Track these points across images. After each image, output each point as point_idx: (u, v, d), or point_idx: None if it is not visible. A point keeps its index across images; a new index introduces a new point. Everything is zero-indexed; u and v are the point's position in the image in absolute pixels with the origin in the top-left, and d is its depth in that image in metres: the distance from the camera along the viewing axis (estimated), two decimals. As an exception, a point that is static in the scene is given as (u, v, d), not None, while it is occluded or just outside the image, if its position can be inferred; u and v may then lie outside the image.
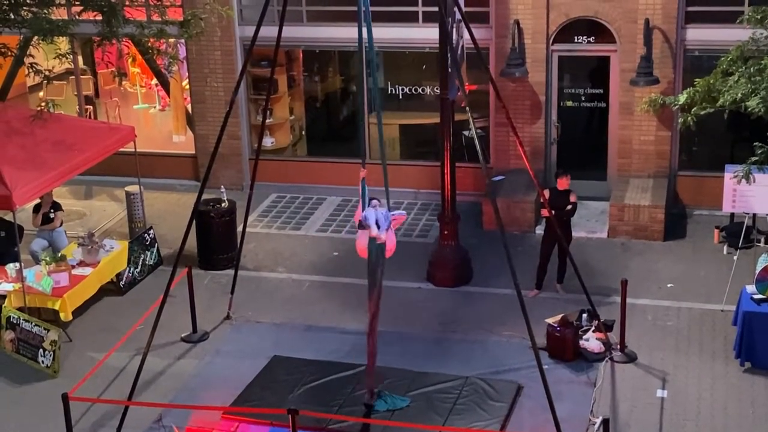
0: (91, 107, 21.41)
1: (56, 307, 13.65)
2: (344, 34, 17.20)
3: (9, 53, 14.25)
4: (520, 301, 10.98)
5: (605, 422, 10.26)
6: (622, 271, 14.62)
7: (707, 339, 13.18)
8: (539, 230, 15.96)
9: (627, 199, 16.26)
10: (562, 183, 14.19)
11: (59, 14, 14.06)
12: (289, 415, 10.25)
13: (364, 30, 11.26)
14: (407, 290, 14.81)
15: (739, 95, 11.86)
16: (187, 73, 19.11)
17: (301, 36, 17.95)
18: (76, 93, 20.86)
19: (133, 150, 16.02)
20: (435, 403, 11.83)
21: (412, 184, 17.86)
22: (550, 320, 12.96)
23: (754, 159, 11.73)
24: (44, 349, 12.98)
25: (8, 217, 14.71)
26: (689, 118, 12.60)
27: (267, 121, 15.94)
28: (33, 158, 14.09)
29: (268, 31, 13.45)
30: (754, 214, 14.80)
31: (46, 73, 13.71)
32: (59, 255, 14.46)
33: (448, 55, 13.64)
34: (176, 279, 12.66)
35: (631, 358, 12.76)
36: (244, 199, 14.70)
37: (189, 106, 19.50)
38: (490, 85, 13.88)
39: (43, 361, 13.02)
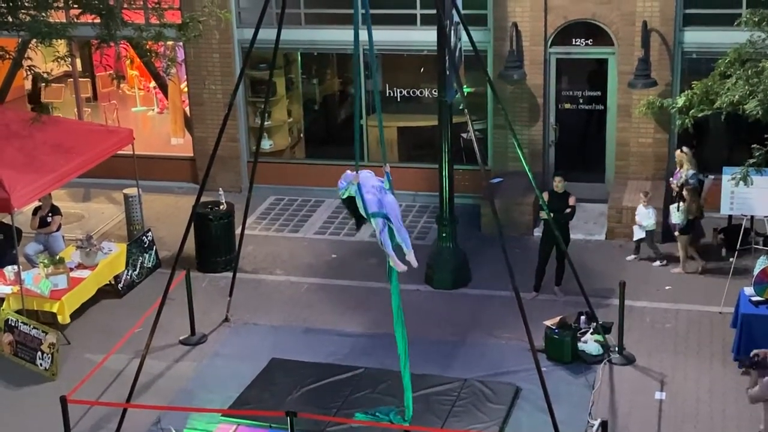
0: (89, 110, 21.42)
1: (54, 310, 13.65)
2: (342, 36, 17.20)
3: (7, 56, 14.24)
4: (519, 303, 10.98)
5: (604, 424, 10.26)
6: (620, 274, 14.60)
7: (705, 341, 13.18)
8: (537, 232, 15.96)
9: (625, 201, 16.27)
10: (556, 184, 14.23)
11: (57, 17, 14.05)
12: (288, 418, 10.25)
13: (361, 33, 11.19)
14: (405, 292, 14.68)
15: (737, 97, 11.87)
16: (185, 76, 19.11)
17: (300, 39, 17.95)
18: (73, 95, 20.86)
19: (132, 152, 16.02)
20: (433, 405, 11.81)
21: (411, 187, 17.85)
22: (548, 322, 12.96)
23: (752, 161, 11.73)
24: (42, 352, 12.96)
25: (6, 219, 14.71)
26: (687, 121, 12.60)
27: (265, 123, 15.93)
28: (31, 161, 14.07)
29: (267, 34, 13.44)
30: (752, 217, 14.81)
31: (45, 75, 13.69)
32: (57, 258, 14.44)
33: (446, 57, 13.66)
34: (174, 281, 12.65)
35: (629, 361, 12.76)
36: (242, 201, 14.69)
37: (187, 109, 19.49)
38: (489, 88, 13.89)
39: (41, 364, 13.00)
